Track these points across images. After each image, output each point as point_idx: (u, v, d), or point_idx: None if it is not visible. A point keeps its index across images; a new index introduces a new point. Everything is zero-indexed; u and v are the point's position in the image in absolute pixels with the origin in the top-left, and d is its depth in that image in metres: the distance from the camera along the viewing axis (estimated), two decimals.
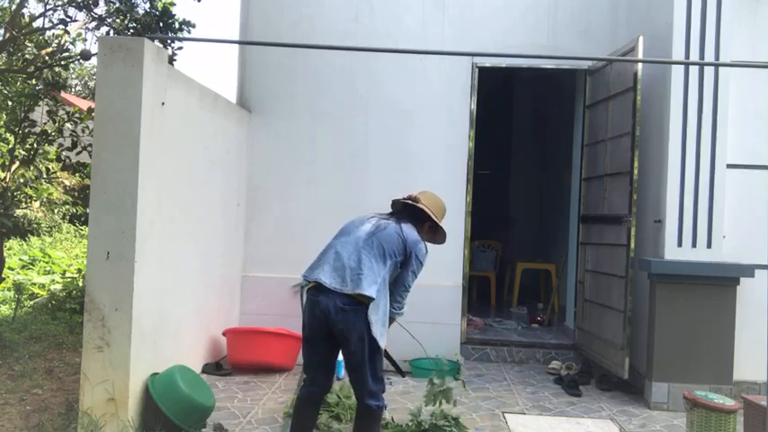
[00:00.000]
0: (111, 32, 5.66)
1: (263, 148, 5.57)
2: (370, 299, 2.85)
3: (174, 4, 5.67)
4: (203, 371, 4.75)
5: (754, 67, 4.52)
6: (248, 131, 5.54)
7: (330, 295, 2.87)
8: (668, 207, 4.43)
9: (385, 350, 3.08)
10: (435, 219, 3.20)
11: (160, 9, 5.59)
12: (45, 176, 5.88)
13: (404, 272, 3.04)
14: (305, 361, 3.07)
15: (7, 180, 5.45)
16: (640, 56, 4.60)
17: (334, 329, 2.88)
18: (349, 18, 5.58)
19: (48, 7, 5.74)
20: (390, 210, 3.28)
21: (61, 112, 5.69)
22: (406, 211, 3.20)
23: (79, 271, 7.76)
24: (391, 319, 3.09)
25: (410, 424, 3.68)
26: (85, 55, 5.45)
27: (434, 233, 3.27)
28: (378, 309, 2.89)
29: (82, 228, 10.90)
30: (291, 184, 5.56)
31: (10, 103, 5.57)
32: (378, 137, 5.53)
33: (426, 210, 3.17)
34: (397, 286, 3.06)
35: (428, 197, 3.26)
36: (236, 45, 6.47)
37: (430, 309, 5.23)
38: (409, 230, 3.07)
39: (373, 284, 2.87)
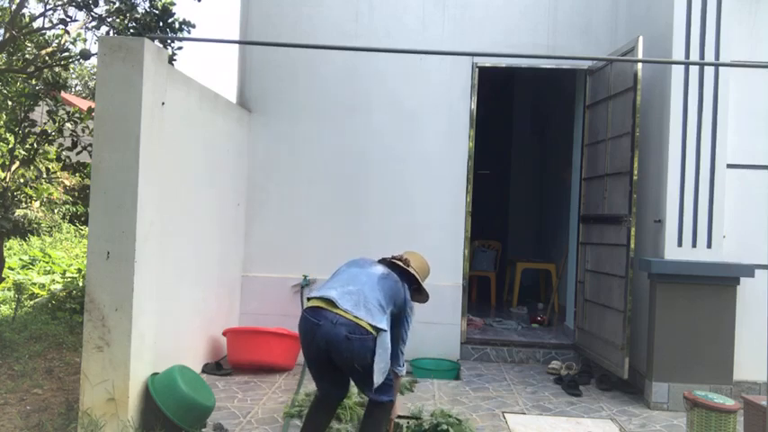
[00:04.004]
0: (111, 32, 5.66)
1: (263, 148, 5.57)
2: (382, 330, 2.80)
3: (174, 4, 5.68)
4: (203, 371, 4.75)
5: (754, 67, 4.52)
6: (248, 131, 5.54)
7: (335, 320, 2.74)
8: (668, 207, 4.43)
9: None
10: (422, 282, 3.28)
11: (160, 9, 5.59)
12: (45, 176, 5.87)
13: (400, 330, 3.09)
14: (311, 375, 3.05)
15: (7, 180, 5.45)
16: (640, 56, 4.61)
17: (335, 357, 2.79)
18: (349, 18, 5.58)
19: (48, 7, 5.74)
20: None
21: (61, 112, 5.68)
22: (394, 270, 3.19)
23: (79, 271, 7.76)
24: (394, 377, 3.11)
25: (410, 424, 3.67)
26: (85, 55, 5.45)
27: (418, 294, 3.34)
28: (384, 345, 2.83)
29: (82, 228, 10.88)
30: (291, 184, 5.56)
31: (10, 103, 5.56)
32: (377, 137, 5.53)
33: (417, 276, 3.23)
34: (396, 342, 3.09)
35: (416, 259, 3.30)
36: (236, 45, 6.47)
37: (430, 309, 5.19)
38: (407, 291, 3.14)
39: (384, 320, 2.85)
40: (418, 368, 5.07)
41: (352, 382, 3.06)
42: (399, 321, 3.07)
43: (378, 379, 2.82)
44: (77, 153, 5.69)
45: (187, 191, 4.29)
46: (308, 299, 2.96)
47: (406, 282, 3.15)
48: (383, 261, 3.26)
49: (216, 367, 4.81)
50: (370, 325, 2.76)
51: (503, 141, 9.33)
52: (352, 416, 3.72)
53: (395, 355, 3.09)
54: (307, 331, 2.83)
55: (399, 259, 3.23)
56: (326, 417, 3.10)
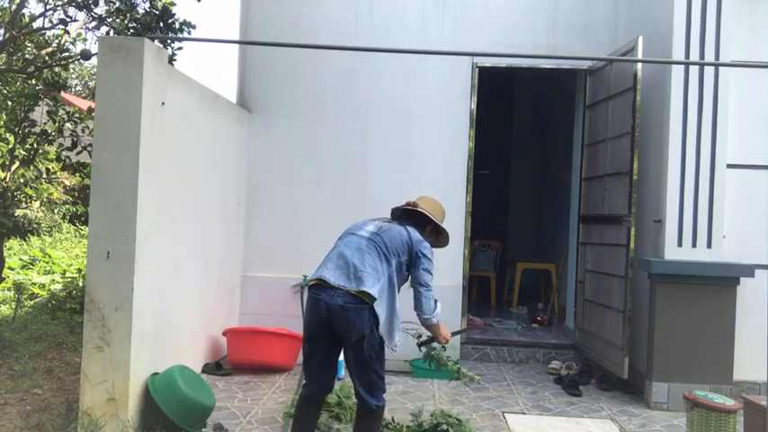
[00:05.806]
0: (111, 32, 5.66)
1: (263, 148, 5.57)
2: (373, 298, 2.86)
3: (175, 4, 5.68)
4: (203, 371, 4.75)
5: (754, 67, 4.52)
6: (248, 131, 5.54)
7: (332, 293, 2.87)
8: (668, 207, 4.44)
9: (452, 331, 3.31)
10: (436, 221, 3.24)
11: (160, 9, 5.59)
12: (45, 176, 5.88)
13: (415, 272, 3.07)
14: (305, 360, 3.07)
15: (7, 180, 5.45)
16: (640, 56, 4.60)
17: (335, 327, 2.89)
18: (349, 18, 5.58)
19: (48, 7, 5.75)
20: (390, 217, 3.33)
21: (61, 112, 5.69)
22: (406, 217, 3.24)
23: (79, 271, 7.76)
24: (431, 325, 3.14)
25: (411, 425, 3.67)
26: (85, 55, 5.45)
27: (436, 236, 3.31)
28: (383, 308, 2.90)
29: (82, 228, 10.88)
30: (291, 184, 5.55)
31: (10, 103, 5.56)
32: (377, 137, 5.53)
33: (427, 213, 3.21)
34: (417, 288, 3.07)
35: (427, 201, 3.30)
36: (236, 45, 6.47)
37: None
38: (413, 231, 3.12)
39: (376, 283, 2.90)
40: (418, 368, 5.07)
41: (351, 380, 3.06)
42: (413, 267, 3.07)
43: (389, 342, 2.95)
44: (77, 153, 5.69)
45: (187, 191, 4.28)
46: (308, 281, 3.05)
47: (419, 225, 3.19)
48: (395, 210, 3.32)
49: (216, 367, 4.82)
50: (363, 293, 2.85)
51: (503, 141, 9.33)
52: (353, 416, 3.71)
53: (417, 303, 3.07)
54: (312, 304, 2.95)
55: (409, 204, 3.26)
56: (314, 415, 3.11)
